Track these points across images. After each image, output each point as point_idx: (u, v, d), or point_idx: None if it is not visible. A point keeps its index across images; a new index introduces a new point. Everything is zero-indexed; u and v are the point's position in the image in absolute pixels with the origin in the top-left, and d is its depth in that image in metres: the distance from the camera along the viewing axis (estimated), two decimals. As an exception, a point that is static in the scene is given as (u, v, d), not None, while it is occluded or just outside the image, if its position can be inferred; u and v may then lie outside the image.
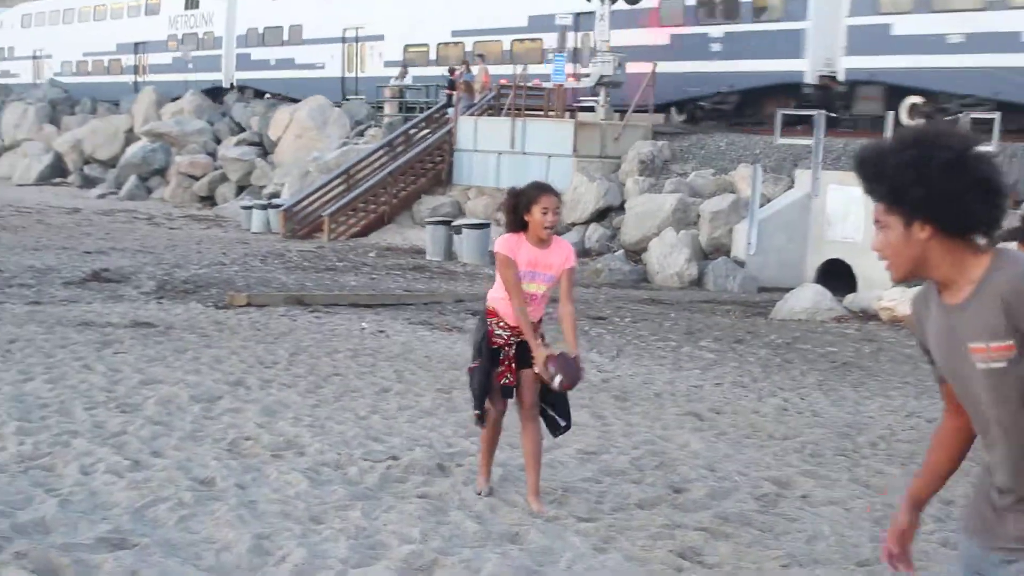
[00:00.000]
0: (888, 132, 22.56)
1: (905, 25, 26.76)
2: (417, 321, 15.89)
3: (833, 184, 22.68)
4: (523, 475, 7.28)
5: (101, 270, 19.82)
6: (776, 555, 6.37)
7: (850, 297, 19.84)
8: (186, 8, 54.46)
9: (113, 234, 27.95)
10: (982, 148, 2.96)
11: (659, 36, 31.63)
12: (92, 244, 25.01)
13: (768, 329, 17.09)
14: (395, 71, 41.21)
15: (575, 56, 34.56)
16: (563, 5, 34.76)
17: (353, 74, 44.72)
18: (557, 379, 6.73)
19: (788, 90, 29.51)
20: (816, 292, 19.23)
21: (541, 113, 31.03)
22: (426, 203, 30.39)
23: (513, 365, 7.00)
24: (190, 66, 52.76)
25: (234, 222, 32.79)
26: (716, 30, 30.89)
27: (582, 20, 34.02)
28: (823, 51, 28.48)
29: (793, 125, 28.52)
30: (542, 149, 28.87)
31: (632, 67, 30.15)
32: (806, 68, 28.79)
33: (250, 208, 32.10)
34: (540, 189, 6.88)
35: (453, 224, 26.57)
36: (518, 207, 6.85)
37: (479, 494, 7.28)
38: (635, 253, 24.51)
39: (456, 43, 39.73)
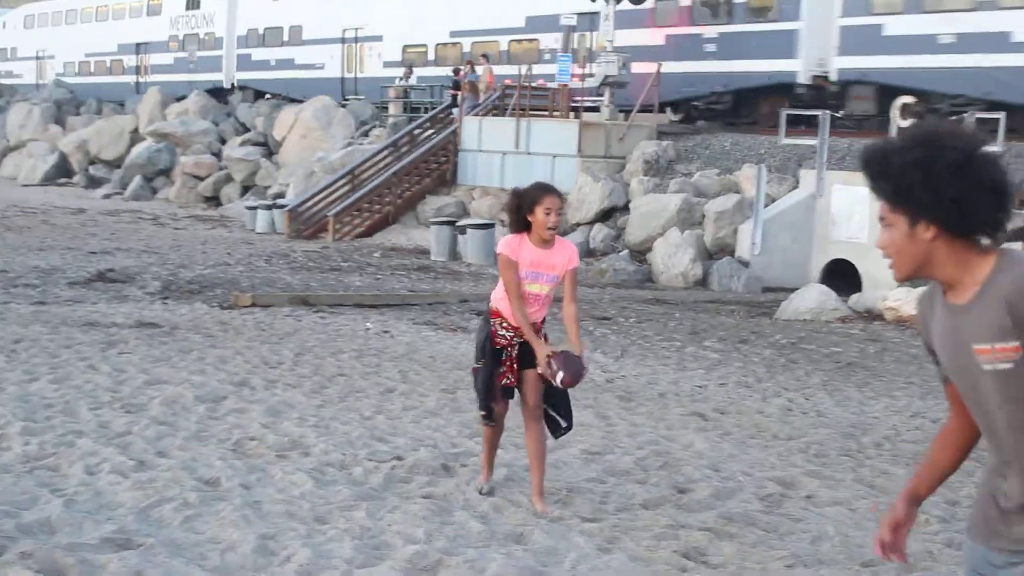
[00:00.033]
0: (892, 132, 22.56)
1: (896, 25, 26.95)
2: (422, 321, 15.89)
3: (838, 184, 22.66)
4: (528, 475, 7.28)
5: (106, 270, 19.84)
6: (780, 555, 6.37)
7: (855, 297, 19.82)
8: (187, 9, 54.61)
9: (118, 234, 27.98)
10: (988, 149, 2.94)
11: (655, 37, 31.66)
12: (97, 244, 25.04)
13: (773, 329, 17.08)
14: (394, 71, 41.45)
15: (573, 57, 34.69)
16: (559, 6, 34.99)
17: (352, 74, 44.88)
18: (559, 375, 6.73)
19: (781, 90, 29.72)
20: (821, 292, 19.21)
21: (546, 113, 31.04)
22: (431, 203, 30.40)
23: (515, 366, 7.01)
24: (191, 66, 52.87)
25: (239, 222, 32.82)
26: (711, 30, 31.04)
27: (578, 21, 34.22)
28: (816, 51, 28.70)
29: (788, 125, 28.71)
30: (547, 149, 28.88)
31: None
32: (799, 68, 29.00)
33: (255, 208, 32.14)
34: (543, 190, 6.88)
35: (458, 224, 26.58)
36: (521, 208, 6.86)
37: (480, 492, 7.30)
38: (640, 253, 24.51)
39: (454, 43, 39.95)
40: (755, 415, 10.66)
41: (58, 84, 59.01)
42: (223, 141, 42.24)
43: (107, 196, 40.91)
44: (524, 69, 31.93)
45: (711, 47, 30.91)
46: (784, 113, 25.95)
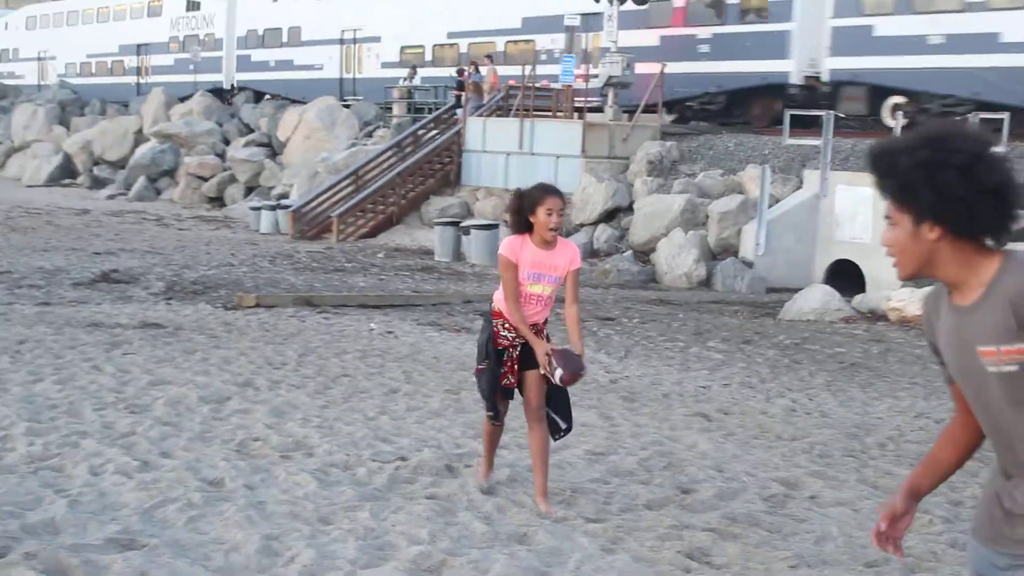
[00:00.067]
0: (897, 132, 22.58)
1: (887, 26, 27.15)
2: (426, 322, 15.90)
3: (842, 184, 22.65)
4: (531, 476, 7.28)
5: (110, 271, 19.86)
6: (784, 556, 6.37)
7: (859, 298, 19.80)
8: (187, 10, 54.76)
9: (122, 235, 28.01)
10: (996, 150, 2.92)
11: (649, 37, 31.70)
12: (101, 245, 25.07)
13: (776, 330, 17.07)
14: (392, 72, 41.70)
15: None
16: (555, 8, 35.21)
17: (351, 75, 45.05)
18: (558, 372, 6.74)
19: (774, 91, 29.89)
20: (825, 293, 19.20)
21: (549, 114, 31.05)
22: (435, 204, 30.42)
23: (516, 366, 7.02)
24: (191, 67, 53.02)
25: (243, 223, 32.85)
26: (704, 31, 31.12)
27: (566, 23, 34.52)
28: (808, 52, 28.85)
29: (778, 125, 28.87)
30: (550, 150, 28.89)
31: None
32: (791, 69, 29.15)
33: (259, 209, 32.18)
34: (544, 191, 6.89)
35: (462, 225, 26.59)
36: (523, 209, 6.87)
37: (480, 490, 7.33)
38: (643, 254, 24.50)
39: (451, 44, 40.14)
40: (759, 416, 10.66)
41: (62, 85, 59.12)
42: (227, 142, 42.31)
43: (111, 197, 40.96)
44: (528, 69, 31.96)
45: (704, 48, 31.05)
46: (788, 114, 25.97)
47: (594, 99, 30.38)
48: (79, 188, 44.52)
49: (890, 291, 18.86)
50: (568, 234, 25.62)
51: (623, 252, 24.73)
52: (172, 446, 8.08)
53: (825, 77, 28.70)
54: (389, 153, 32.78)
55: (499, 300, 7.07)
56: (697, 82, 30.13)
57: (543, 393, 7.02)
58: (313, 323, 15.17)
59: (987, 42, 25.03)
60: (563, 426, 7.13)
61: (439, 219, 27.82)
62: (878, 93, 27.94)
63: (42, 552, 5.55)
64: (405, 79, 40.29)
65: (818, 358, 14.67)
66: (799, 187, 24.25)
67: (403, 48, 42.36)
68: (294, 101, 44.41)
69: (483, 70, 34.81)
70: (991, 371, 2.92)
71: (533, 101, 31.09)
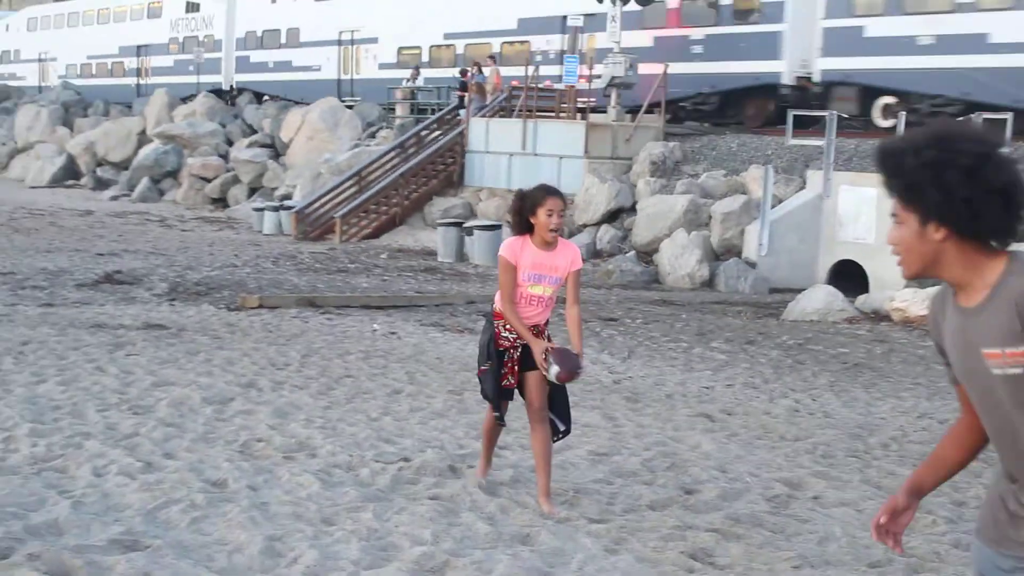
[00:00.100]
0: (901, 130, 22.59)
1: (878, 27, 27.32)
2: (429, 323, 15.90)
3: (845, 185, 22.64)
4: (534, 476, 7.28)
5: (114, 272, 19.88)
6: (788, 556, 6.37)
7: (862, 298, 19.79)
8: (187, 11, 54.90)
9: (126, 236, 28.03)
10: (1004, 151, 2.90)
11: (643, 38, 31.74)
12: (105, 246, 25.09)
13: (780, 330, 17.07)
14: (389, 73, 41.95)
15: (562, 58, 35.08)
16: (551, 9, 35.46)
17: (349, 76, 45.20)
18: (554, 370, 6.74)
19: (767, 91, 30.06)
20: (828, 293, 19.19)
21: (552, 115, 31.06)
22: (438, 205, 30.42)
23: (516, 368, 7.03)
24: (189, 68, 53.16)
25: (246, 224, 32.86)
26: (697, 32, 31.26)
27: (567, 23, 34.61)
28: (800, 52, 29.03)
29: (773, 125, 29.21)
30: (553, 150, 28.90)
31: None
32: (783, 69, 29.34)
33: (262, 210, 32.20)
34: (545, 191, 6.90)
35: (465, 226, 26.59)
36: (523, 210, 6.88)
37: (479, 487, 7.36)
38: (646, 254, 24.49)
39: (448, 46, 40.30)
40: (762, 416, 10.66)
41: (65, 86, 59.21)
42: (230, 143, 42.34)
43: (114, 198, 40.98)
44: (531, 70, 32.01)
45: (698, 48, 31.15)
46: (791, 114, 26.00)
47: (591, 99, 30.44)
48: (82, 189, 44.57)
49: (893, 291, 18.86)
50: (571, 235, 25.62)
51: (626, 253, 24.73)
52: (175, 447, 8.08)
53: (817, 77, 28.90)
54: (392, 154, 32.80)
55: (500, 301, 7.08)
56: (691, 82, 30.17)
57: (545, 394, 7.02)
58: (316, 324, 15.18)
59: (976, 43, 25.21)
60: (561, 428, 7.14)
61: (442, 220, 27.83)
62: (869, 93, 28.15)
63: (45, 553, 5.56)
64: (408, 80, 40.33)
65: (821, 358, 14.66)
66: (802, 187, 24.25)
67: (400, 49, 42.63)
68: (293, 102, 44.57)
69: (486, 71, 34.82)
70: (996, 373, 2.91)
71: (536, 102, 31.10)
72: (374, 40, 43.91)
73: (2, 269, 19.60)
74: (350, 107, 40.65)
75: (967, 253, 2.92)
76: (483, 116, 32.18)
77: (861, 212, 21.87)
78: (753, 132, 28.98)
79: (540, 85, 32.36)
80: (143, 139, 45.80)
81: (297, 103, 43.34)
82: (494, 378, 7.02)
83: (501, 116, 32.12)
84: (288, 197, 34.52)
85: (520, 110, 30.78)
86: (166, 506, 6.61)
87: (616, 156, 28.29)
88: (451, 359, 12.86)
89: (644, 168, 27.26)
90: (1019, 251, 2.94)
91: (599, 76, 30.43)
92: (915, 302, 17.83)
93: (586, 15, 32.31)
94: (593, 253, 25.17)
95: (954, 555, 6.51)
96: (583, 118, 29.53)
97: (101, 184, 44.50)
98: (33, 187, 45.34)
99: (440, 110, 35.74)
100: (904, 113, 24.80)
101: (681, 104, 31.84)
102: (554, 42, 35.81)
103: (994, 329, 2.88)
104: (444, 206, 30.08)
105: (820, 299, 18.93)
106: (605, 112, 30.22)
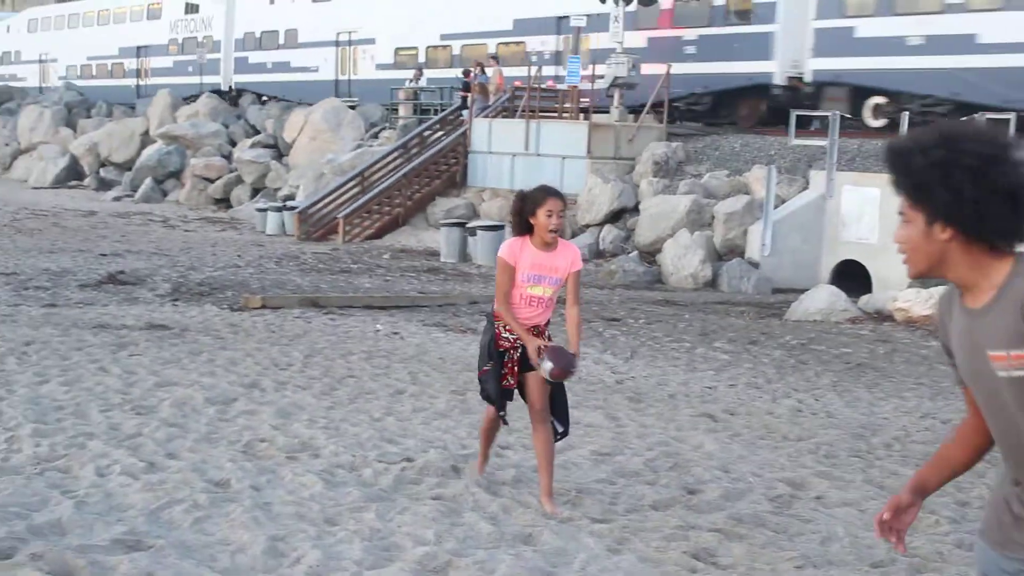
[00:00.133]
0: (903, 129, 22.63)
1: (868, 28, 27.52)
2: (431, 323, 15.91)
3: (848, 185, 22.63)
4: (536, 476, 7.29)
5: (116, 272, 19.89)
6: (790, 556, 6.37)
7: (865, 298, 19.78)
8: (186, 13, 55.03)
9: (128, 237, 28.05)
10: (1013, 153, 2.88)
11: (637, 39, 31.78)
12: (108, 247, 25.10)
13: (782, 330, 17.06)
14: (386, 74, 42.16)
15: (557, 59, 35.17)
16: (546, 10, 35.60)
17: (346, 77, 45.34)
18: (547, 365, 6.74)
19: (759, 91, 30.24)
20: (831, 293, 19.18)
21: (555, 115, 31.06)
22: (440, 205, 30.42)
23: (516, 368, 7.04)
24: (190, 69, 53.28)
25: (249, 224, 32.88)
26: (690, 33, 31.41)
27: (563, 24, 34.88)
28: (791, 53, 29.22)
29: (765, 125, 29.40)
30: (556, 151, 28.90)
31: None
32: (775, 69, 29.51)
33: (265, 210, 32.21)
34: (545, 192, 6.91)
35: (467, 226, 26.59)
36: (523, 211, 6.90)
37: (476, 483, 7.37)
38: (649, 254, 24.49)
39: (444, 46, 40.44)
40: (765, 416, 10.66)
41: (69, 87, 59.29)
42: (233, 143, 42.35)
43: (117, 198, 41.01)
44: (534, 70, 32.03)
45: (691, 49, 31.26)
46: (794, 114, 26.03)
47: (587, 99, 30.55)
48: (85, 190, 44.60)
49: (896, 291, 18.85)
50: (574, 235, 25.63)
51: (629, 253, 24.72)
52: (178, 447, 8.09)
53: (808, 78, 29.10)
54: (395, 154, 32.80)
55: (499, 302, 7.11)
56: (684, 83, 30.22)
57: (546, 394, 7.03)
58: (319, 324, 15.18)
59: (965, 43, 25.39)
60: (559, 430, 7.14)
61: (445, 220, 27.83)
62: (859, 93, 28.32)
63: (48, 553, 5.56)
64: (411, 80, 40.38)
65: (824, 358, 14.66)
66: (805, 188, 24.24)
67: (397, 50, 42.85)
68: (291, 102, 44.67)
69: (489, 71, 34.84)
70: (1001, 376, 2.90)
71: (539, 102, 31.11)
72: (371, 41, 44.13)
73: (5, 269, 19.62)
74: (352, 107, 40.69)
75: (973, 254, 2.91)
76: (486, 116, 32.19)
77: (864, 212, 21.86)
78: (756, 132, 29.02)
79: (543, 85, 32.35)
80: (146, 140, 45.82)
81: (296, 103, 43.41)
82: (496, 378, 7.03)
83: (504, 116, 32.13)
84: (291, 197, 34.51)
85: (523, 110, 30.79)
86: (169, 506, 6.62)
87: (619, 156, 28.28)
88: (454, 359, 12.86)
89: (647, 168, 27.26)
90: None
91: (601, 76, 30.42)
92: (918, 302, 17.82)
93: (585, 16, 32.35)
94: (596, 253, 25.17)
95: (957, 555, 6.51)
96: (586, 118, 29.53)
97: (104, 185, 44.52)
98: (36, 188, 45.39)
99: (443, 110, 35.76)
100: (907, 113, 24.82)
101: (675, 104, 31.94)
102: (549, 43, 35.97)
103: (1000, 331, 2.87)
104: (447, 206, 30.07)
105: (823, 299, 18.92)
106: (602, 112, 30.24)
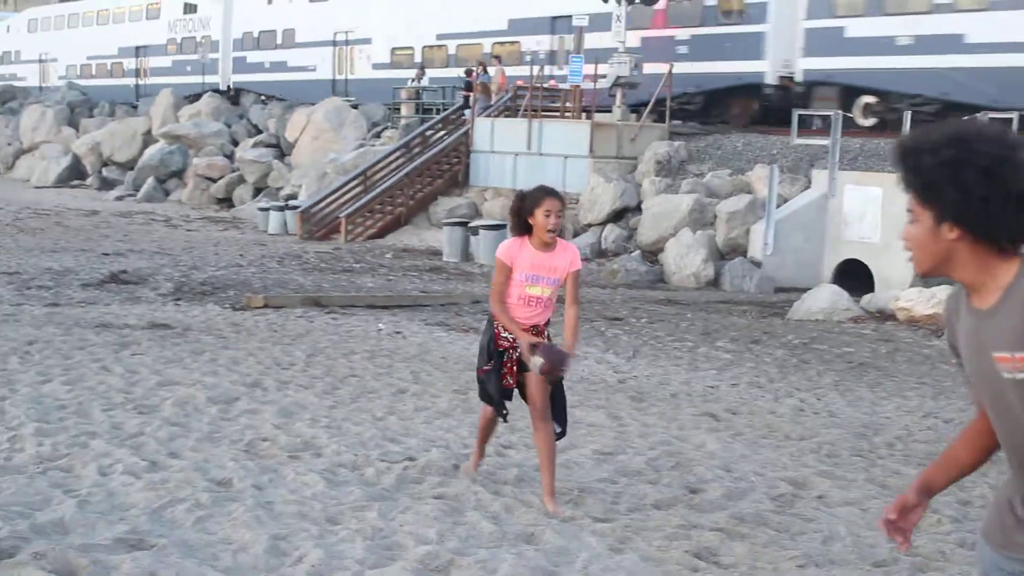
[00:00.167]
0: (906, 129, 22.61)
1: (858, 28, 27.67)
2: (434, 322, 15.91)
3: (850, 184, 22.64)
4: (539, 475, 7.29)
5: (119, 272, 19.90)
6: (792, 555, 6.37)
7: (867, 297, 19.78)
8: (184, 13, 55.13)
9: (131, 236, 28.06)
10: (1022, 154, 2.86)
11: (630, 39, 31.82)
12: (110, 246, 25.11)
13: (785, 329, 17.06)
14: (382, 73, 42.38)
15: (552, 58, 35.21)
16: (542, 10, 35.72)
17: (343, 76, 45.46)
18: (537, 361, 6.75)
19: (750, 90, 30.43)
20: (833, 292, 19.18)
21: (557, 114, 31.06)
22: (443, 204, 30.42)
23: (515, 368, 7.04)
24: (189, 69, 53.37)
25: (251, 224, 32.89)
26: (683, 33, 31.55)
27: (558, 24, 34.99)
28: (782, 53, 29.36)
29: (757, 124, 29.49)
30: (559, 150, 28.90)
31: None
32: (767, 69, 29.68)
33: (267, 210, 32.21)
34: (543, 192, 6.92)
35: (470, 225, 26.58)
36: (522, 211, 6.90)
37: (470, 479, 7.41)
38: (652, 254, 24.49)
39: (440, 46, 40.54)
40: (767, 415, 10.65)
41: (71, 86, 59.34)
42: (235, 143, 42.38)
43: (120, 198, 41.04)
44: (536, 70, 32.03)
45: (683, 49, 31.34)
46: (797, 114, 26.05)
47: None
48: (88, 189, 44.63)
49: (899, 291, 18.85)
50: (576, 234, 25.64)
51: (631, 252, 24.72)
52: (180, 446, 8.09)
53: (799, 77, 29.24)
54: (397, 154, 32.81)
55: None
56: (676, 82, 30.25)
57: (547, 394, 7.03)
58: (321, 324, 15.18)
59: (953, 43, 25.53)
60: (557, 430, 7.15)
61: (447, 219, 27.83)
62: (850, 93, 28.41)
63: (51, 552, 5.57)
64: (413, 80, 40.42)
65: (826, 358, 14.66)
66: (807, 187, 24.25)
67: (394, 50, 43.00)
68: (292, 102, 44.83)
69: (491, 71, 34.85)
70: (1006, 377, 2.89)
71: (541, 102, 31.11)
72: (368, 41, 44.26)
73: (8, 269, 19.63)
74: (354, 107, 40.72)
75: (980, 254, 2.90)
76: (488, 116, 32.19)
77: (866, 211, 21.87)
78: (758, 131, 29.03)
79: (545, 85, 32.35)
80: (148, 139, 45.84)
81: (297, 103, 43.53)
82: (496, 378, 7.03)
83: (506, 116, 32.13)
84: (293, 197, 34.52)
85: (525, 110, 30.79)
86: (171, 505, 6.62)
87: (621, 156, 28.28)
88: (456, 358, 12.86)
89: (649, 167, 27.26)
90: None
91: (604, 76, 30.42)
92: (920, 301, 17.82)
93: (587, 16, 32.37)
94: (598, 252, 25.18)
95: (959, 554, 6.51)
96: (588, 118, 29.52)
97: (106, 184, 44.56)
98: (38, 187, 45.41)
99: (445, 110, 35.77)
100: (909, 112, 24.82)
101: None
102: (543, 43, 36.05)
103: (1005, 333, 2.86)
104: (449, 206, 30.07)
105: (825, 298, 18.92)
106: (604, 112, 30.26)
